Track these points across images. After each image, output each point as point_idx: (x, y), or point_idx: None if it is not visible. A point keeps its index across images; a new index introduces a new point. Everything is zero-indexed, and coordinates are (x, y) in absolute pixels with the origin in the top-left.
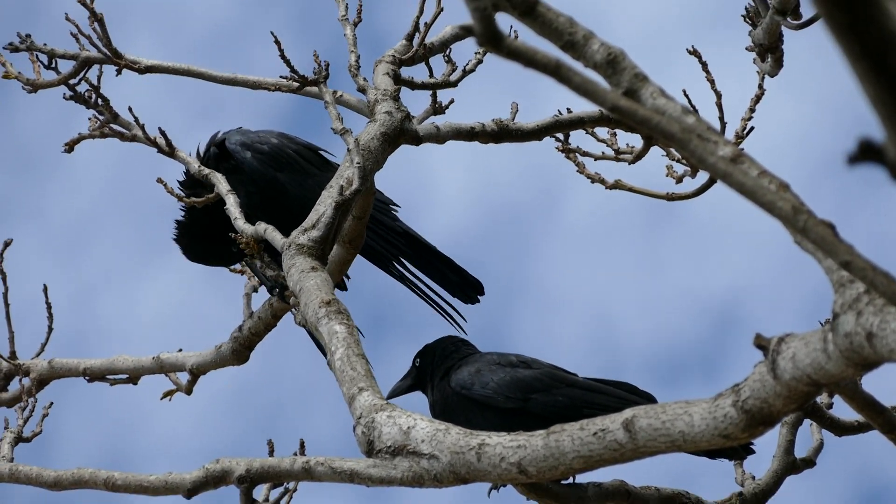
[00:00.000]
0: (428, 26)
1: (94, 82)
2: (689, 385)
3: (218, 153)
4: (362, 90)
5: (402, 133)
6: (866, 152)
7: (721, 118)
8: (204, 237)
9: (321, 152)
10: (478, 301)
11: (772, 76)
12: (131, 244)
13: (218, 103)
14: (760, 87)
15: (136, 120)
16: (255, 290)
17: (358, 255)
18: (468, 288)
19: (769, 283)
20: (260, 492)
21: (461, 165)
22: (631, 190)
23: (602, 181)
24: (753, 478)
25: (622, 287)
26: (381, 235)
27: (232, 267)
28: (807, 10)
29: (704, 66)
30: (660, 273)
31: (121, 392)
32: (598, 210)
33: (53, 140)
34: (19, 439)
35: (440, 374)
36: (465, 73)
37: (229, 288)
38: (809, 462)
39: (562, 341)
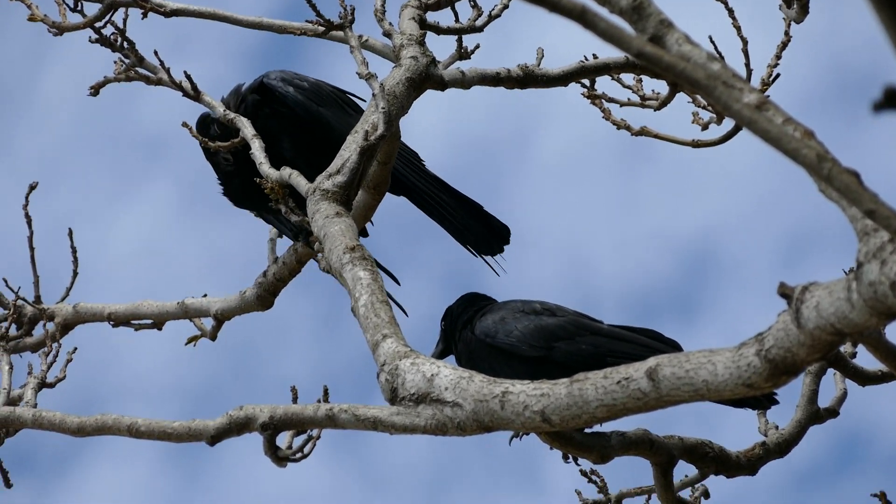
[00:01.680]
0: None
1: (120, 25)
2: (662, 325)
3: (259, 100)
4: (388, 35)
5: (427, 78)
6: (891, 99)
7: (747, 65)
8: (249, 184)
9: (350, 96)
10: (502, 251)
11: (798, 22)
12: (102, 180)
13: (193, 38)
14: (787, 33)
15: (162, 63)
16: (280, 235)
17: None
18: (493, 237)
19: (742, 223)
20: (283, 439)
21: (433, 101)
22: (657, 136)
23: (628, 128)
24: (777, 427)
25: (596, 225)
26: (420, 175)
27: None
28: None
29: (731, 12)
30: (634, 212)
31: (86, 331)
32: (571, 148)
33: (22, 75)
34: (43, 384)
35: (461, 324)
36: (491, 18)
37: (201, 225)
38: (833, 412)
39: (535, 280)
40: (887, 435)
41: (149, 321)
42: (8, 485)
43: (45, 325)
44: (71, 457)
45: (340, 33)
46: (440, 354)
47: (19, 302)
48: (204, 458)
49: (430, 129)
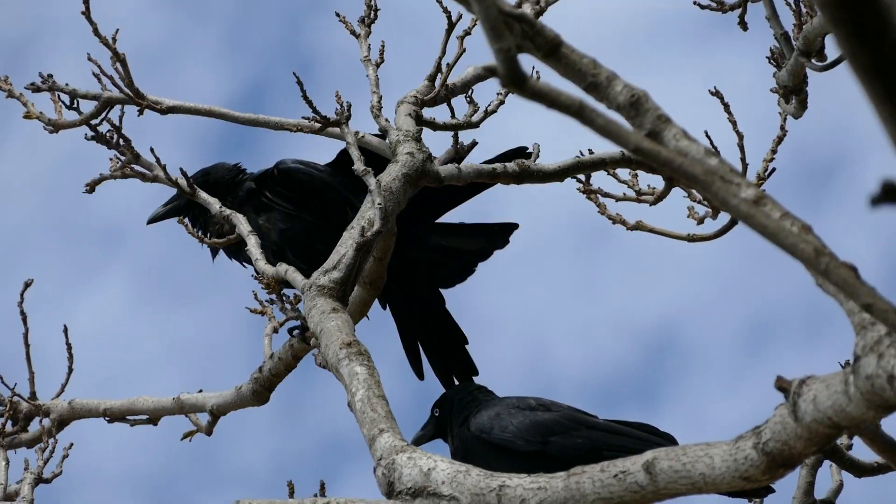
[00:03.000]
0: (450, 67)
1: (116, 122)
2: (624, 412)
3: (254, 189)
4: (384, 131)
5: (423, 174)
6: (889, 194)
7: (743, 160)
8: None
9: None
10: (507, 242)
11: (796, 118)
12: (61, 265)
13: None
14: (782, 128)
15: (158, 160)
16: (276, 330)
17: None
18: (496, 239)
19: (703, 310)
20: None
21: None
22: (652, 231)
23: (623, 222)
24: None
25: (556, 311)
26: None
27: (252, 308)
28: (832, 52)
29: (727, 107)
30: (594, 298)
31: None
32: (531, 232)
33: None
34: (39, 480)
35: (459, 421)
36: (487, 113)
37: (158, 315)
38: (829, 503)
39: (495, 366)
40: None
41: (144, 417)
42: None
43: (40, 420)
44: None
45: (336, 129)
46: (427, 439)
47: (15, 398)
48: None
49: None
